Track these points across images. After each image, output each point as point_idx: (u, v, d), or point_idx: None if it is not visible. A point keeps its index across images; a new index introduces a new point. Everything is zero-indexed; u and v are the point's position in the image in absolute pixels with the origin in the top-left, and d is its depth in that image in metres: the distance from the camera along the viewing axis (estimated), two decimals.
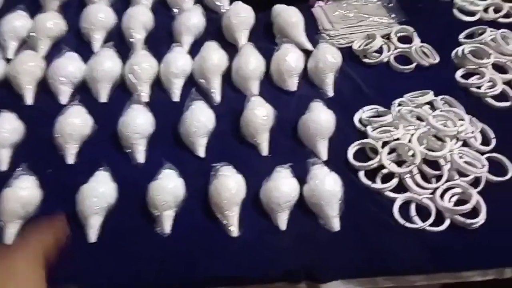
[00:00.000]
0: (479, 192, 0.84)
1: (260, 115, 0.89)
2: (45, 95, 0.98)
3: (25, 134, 0.90)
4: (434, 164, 0.87)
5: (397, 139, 0.89)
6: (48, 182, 0.83)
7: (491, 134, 0.92)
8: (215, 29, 1.13)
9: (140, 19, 1.08)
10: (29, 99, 0.96)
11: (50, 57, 1.03)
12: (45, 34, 1.05)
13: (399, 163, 0.87)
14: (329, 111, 0.91)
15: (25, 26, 1.07)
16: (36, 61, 0.99)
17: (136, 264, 0.76)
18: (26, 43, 1.05)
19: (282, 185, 0.79)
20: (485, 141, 0.91)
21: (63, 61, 0.97)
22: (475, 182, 0.85)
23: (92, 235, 0.77)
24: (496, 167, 0.88)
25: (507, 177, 0.86)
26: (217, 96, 0.98)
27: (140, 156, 0.87)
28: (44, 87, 0.99)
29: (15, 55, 1.03)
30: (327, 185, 0.79)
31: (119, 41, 1.08)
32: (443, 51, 1.09)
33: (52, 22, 1.06)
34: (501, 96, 1.00)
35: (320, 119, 0.89)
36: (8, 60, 1.02)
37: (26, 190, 0.78)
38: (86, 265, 0.75)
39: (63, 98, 0.95)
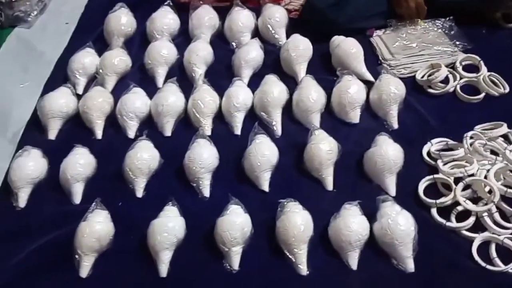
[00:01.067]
0: None
1: (324, 149, 0.88)
2: (113, 130, 1.01)
3: (96, 168, 0.93)
4: (511, 201, 0.82)
5: (472, 174, 0.84)
6: (119, 216, 0.85)
7: None
8: (273, 62, 1.14)
9: (201, 54, 1.11)
10: (99, 134, 0.99)
11: (117, 91, 1.08)
12: (112, 70, 1.09)
13: (474, 200, 0.83)
14: (396, 145, 0.89)
15: (93, 63, 1.12)
16: (105, 97, 1.03)
17: None
18: (94, 79, 1.10)
19: (352, 223, 0.77)
20: None
21: (130, 97, 1.01)
22: None
23: (163, 270, 0.77)
24: None
25: None
26: (278, 129, 0.98)
27: (206, 191, 0.88)
28: (112, 122, 1.02)
29: (84, 91, 1.08)
30: (400, 224, 0.76)
31: (180, 75, 1.12)
32: (510, 80, 1.05)
33: (118, 59, 1.11)
34: None
35: (388, 153, 0.86)
36: (78, 96, 1.07)
37: (101, 224, 0.80)
38: None
39: (131, 133, 0.99)
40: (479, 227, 0.81)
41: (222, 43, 1.20)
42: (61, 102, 1.02)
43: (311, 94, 0.99)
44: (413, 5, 1.12)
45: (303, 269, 0.76)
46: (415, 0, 1.12)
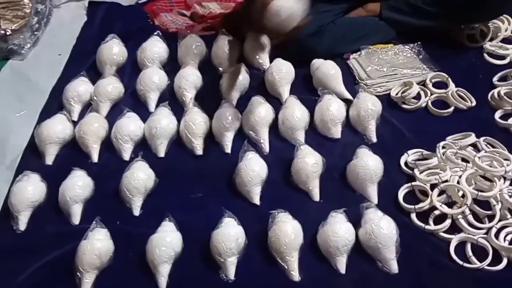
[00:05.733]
0: None
1: (310, 163, 0.95)
2: (109, 153, 1.06)
3: (93, 189, 0.97)
4: (484, 204, 0.89)
5: (446, 180, 0.92)
6: (118, 234, 0.89)
7: None
8: (258, 84, 1.21)
9: (190, 79, 1.17)
10: (95, 157, 1.04)
11: (111, 117, 1.13)
12: (106, 97, 1.15)
13: (449, 204, 0.90)
14: (376, 157, 0.96)
15: (87, 91, 1.17)
16: (100, 122, 1.08)
17: None
18: (88, 106, 1.15)
19: (339, 230, 0.83)
20: None
21: (125, 121, 1.06)
22: None
23: (163, 283, 0.81)
24: None
25: None
26: (266, 147, 1.04)
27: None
28: (108, 145, 1.07)
29: (79, 117, 1.13)
30: (383, 228, 0.82)
31: (171, 99, 1.18)
32: (477, 94, 1.14)
33: (112, 86, 1.17)
34: None
35: (368, 164, 0.93)
36: (73, 122, 1.11)
37: (101, 241, 0.84)
38: None
39: (126, 155, 1.03)
40: (455, 228, 0.88)
41: (209, 69, 1.27)
42: (58, 128, 1.06)
43: (295, 112, 1.06)
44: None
45: (295, 276, 0.81)
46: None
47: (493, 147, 1.00)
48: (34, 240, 0.91)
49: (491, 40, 1.29)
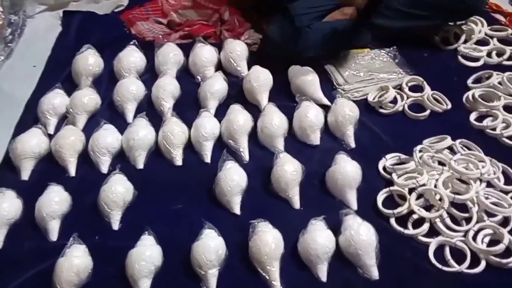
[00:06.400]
0: (509, 231, 0.87)
1: (289, 170, 0.95)
2: (87, 166, 1.04)
3: (71, 204, 0.95)
4: (461, 206, 0.91)
5: (423, 184, 0.93)
6: (97, 249, 0.87)
7: None
8: (237, 92, 1.21)
9: (168, 89, 1.16)
10: (72, 171, 1.02)
11: (88, 129, 1.11)
12: (82, 109, 1.13)
13: (427, 208, 0.91)
14: (354, 162, 0.97)
15: (62, 103, 1.15)
16: (76, 135, 1.06)
17: None
18: (64, 119, 1.13)
19: (319, 237, 0.83)
20: (508, 181, 0.95)
21: (102, 133, 1.05)
22: (504, 222, 0.89)
23: None
24: None
25: None
26: (246, 155, 1.04)
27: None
28: (85, 158, 1.05)
29: (56, 130, 1.11)
30: (362, 234, 0.83)
31: (149, 110, 1.16)
32: (453, 97, 1.16)
33: (88, 98, 1.15)
34: None
35: (347, 170, 0.94)
36: (49, 136, 1.09)
37: (79, 258, 0.82)
38: None
39: (104, 168, 1.02)
40: (434, 232, 0.89)
41: (187, 77, 1.26)
42: (33, 143, 1.04)
43: (274, 120, 1.06)
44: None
45: (277, 286, 0.81)
46: None
47: (469, 149, 1.02)
48: (11, 257, 0.88)
49: (465, 42, 1.31)
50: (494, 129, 1.06)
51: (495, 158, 0.98)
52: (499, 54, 1.27)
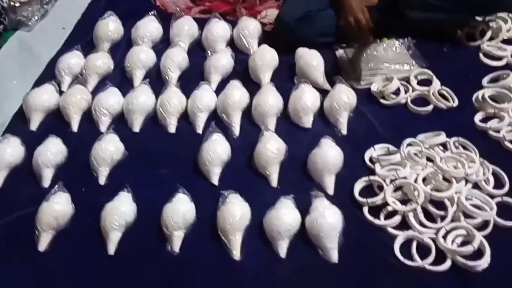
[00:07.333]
0: (486, 236, 0.83)
1: (270, 149, 0.96)
2: (89, 124, 1.11)
3: (67, 157, 1.03)
4: (441, 204, 0.88)
5: (405, 178, 0.90)
6: (81, 200, 0.94)
7: (505, 178, 0.91)
8: (243, 69, 1.23)
9: (175, 60, 1.20)
10: (75, 127, 1.10)
11: (97, 91, 1.18)
12: (94, 71, 1.20)
13: (405, 201, 0.89)
14: (337, 148, 0.96)
15: (78, 64, 1.23)
16: (83, 95, 1.13)
17: (144, 280, 0.83)
18: (78, 79, 1.20)
19: (283, 215, 0.84)
20: (498, 185, 0.91)
21: (105, 95, 1.11)
22: (484, 226, 0.85)
23: (111, 248, 0.86)
24: (509, 212, 0.87)
25: None
26: (236, 130, 1.06)
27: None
28: (89, 117, 1.12)
29: (69, 88, 1.19)
30: (326, 217, 0.83)
31: (157, 79, 1.21)
32: (464, 95, 1.10)
33: (101, 61, 1.22)
34: None
35: (328, 155, 0.93)
36: (62, 93, 1.17)
37: (60, 205, 0.89)
38: (103, 276, 0.84)
39: (103, 127, 1.08)
40: (406, 226, 0.86)
41: (199, 51, 1.30)
42: (44, 97, 1.13)
43: (269, 99, 1.07)
44: (352, 20, 1.11)
45: (236, 255, 0.84)
46: (354, 15, 1.10)
47: (465, 148, 0.97)
48: (7, 197, 0.97)
49: (491, 39, 1.24)
50: (498, 131, 1.01)
51: (494, 162, 0.93)
52: None
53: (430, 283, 0.79)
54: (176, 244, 0.85)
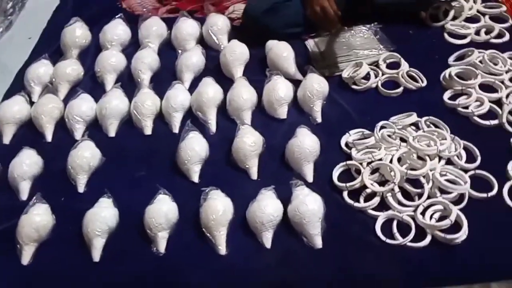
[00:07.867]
0: (462, 209, 0.86)
1: (248, 142, 0.97)
2: (63, 132, 1.10)
3: (43, 167, 1.01)
4: (417, 182, 0.90)
5: (380, 160, 0.93)
6: (61, 209, 0.93)
7: (476, 152, 0.94)
8: (215, 66, 1.23)
9: (146, 61, 1.20)
10: (49, 137, 1.08)
11: (69, 98, 1.16)
12: (64, 79, 1.19)
13: (383, 183, 0.91)
14: (313, 136, 0.97)
15: (47, 73, 1.21)
16: (54, 103, 1.12)
17: (132, 283, 0.83)
18: (48, 88, 1.19)
19: (266, 206, 0.85)
20: (470, 159, 0.94)
21: (77, 102, 1.10)
22: (459, 199, 0.88)
23: (96, 255, 0.85)
24: (482, 184, 0.90)
25: (491, 193, 0.87)
26: (212, 127, 1.07)
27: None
28: (62, 126, 1.11)
29: (39, 98, 1.17)
30: (308, 204, 0.84)
31: (129, 82, 1.20)
32: (432, 75, 1.13)
33: (71, 68, 1.20)
34: (489, 115, 1.03)
35: (304, 144, 0.95)
36: (33, 103, 1.15)
37: (40, 216, 0.88)
38: (90, 284, 0.84)
39: (78, 134, 1.07)
40: (386, 207, 0.89)
41: (169, 51, 1.29)
42: (15, 109, 1.11)
43: (243, 93, 1.08)
44: (318, 9, 1.07)
45: (222, 249, 0.84)
46: (320, 4, 1.08)
47: (436, 126, 1.00)
48: None
49: (454, 19, 1.27)
50: (466, 108, 1.04)
51: (465, 137, 0.96)
52: (488, 32, 1.22)
53: (413, 259, 0.81)
54: (161, 244, 0.85)
